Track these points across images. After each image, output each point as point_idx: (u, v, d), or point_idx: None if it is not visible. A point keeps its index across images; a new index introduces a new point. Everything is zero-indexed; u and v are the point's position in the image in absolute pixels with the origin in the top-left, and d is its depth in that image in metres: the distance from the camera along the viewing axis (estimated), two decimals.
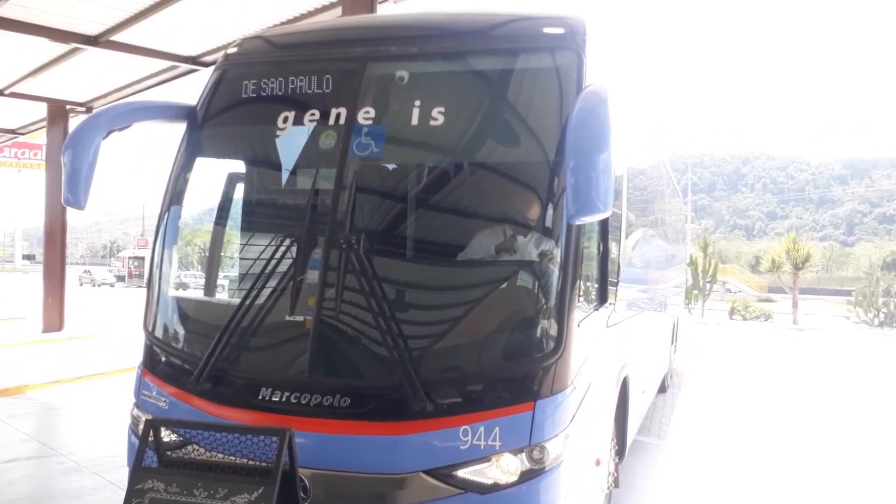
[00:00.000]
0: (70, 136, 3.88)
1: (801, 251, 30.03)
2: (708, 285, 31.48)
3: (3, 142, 22.86)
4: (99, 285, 55.03)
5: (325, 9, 10.09)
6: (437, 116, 3.82)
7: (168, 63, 12.91)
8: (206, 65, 12.74)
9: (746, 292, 51.23)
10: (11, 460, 6.57)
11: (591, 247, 4.16)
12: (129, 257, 63.26)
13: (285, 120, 4.09)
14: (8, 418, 8.20)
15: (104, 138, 3.94)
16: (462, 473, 3.40)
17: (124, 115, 4.12)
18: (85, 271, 59.90)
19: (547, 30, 3.97)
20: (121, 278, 59.60)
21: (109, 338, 16.45)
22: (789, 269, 30.41)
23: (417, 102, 3.87)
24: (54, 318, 16.63)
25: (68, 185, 3.82)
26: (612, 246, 4.72)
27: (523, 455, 3.40)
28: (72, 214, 18.43)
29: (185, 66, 12.97)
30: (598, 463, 4.51)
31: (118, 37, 11.60)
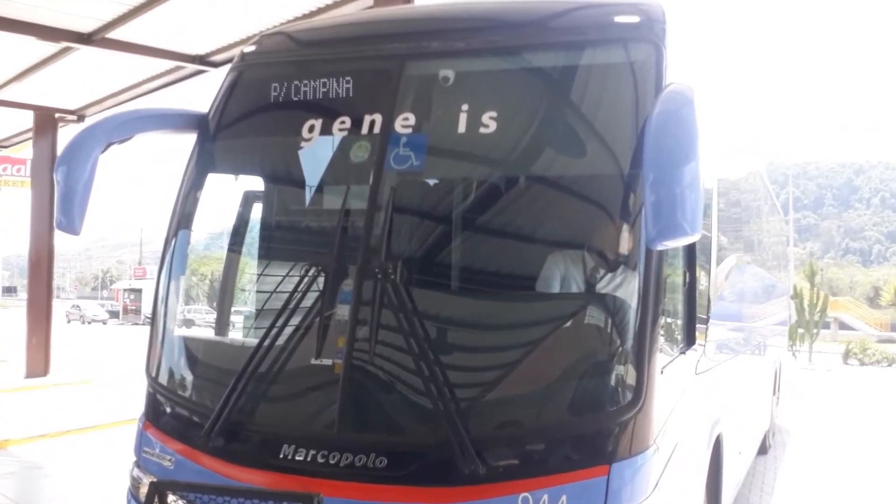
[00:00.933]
0: (64, 151, 3.99)
1: None
2: (816, 322, 30.74)
3: None
4: (89, 322, 56.30)
5: None
6: (489, 123, 3.84)
7: (172, 63, 13.22)
8: (216, 65, 13.02)
9: (864, 331, 49.93)
10: None
11: (676, 277, 4.11)
12: (125, 290, 64.64)
13: (311, 129, 4.15)
14: None
15: (103, 152, 4.04)
16: None
17: (126, 125, 4.23)
18: (74, 306, 61.36)
19: (619, 18, 3.97)
20: (114, 314, 60.89)
21: (101, 385, 16.75)
22: None
23: (465, 107, 3.90)
24: (39, 362, 17.01)
25: (61, 206, 3.92)
26: (701, 275, 4.66)
27: None
28: (59, 240, 18.93)
29: (191, 67, 13.27)
30: None
31: (115, 34, 11.92)
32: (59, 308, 37.81)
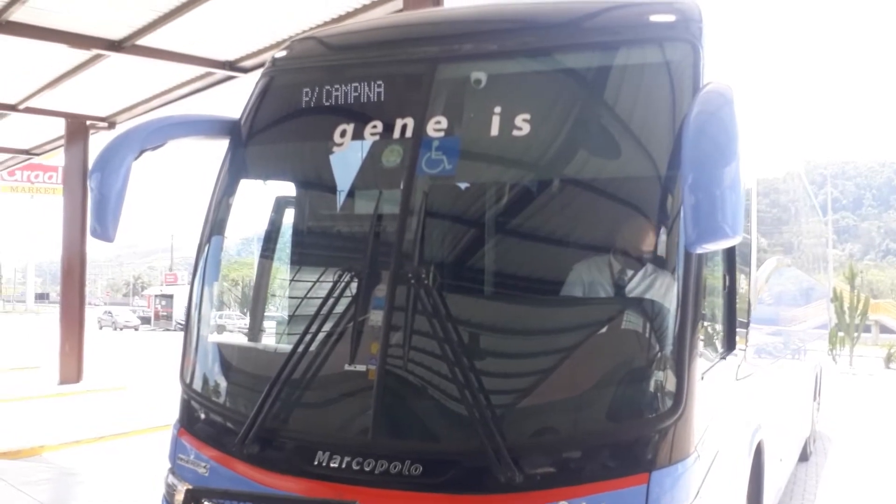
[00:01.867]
0: (98, 158, 4.04)
1: None
2: (857, 326, 30.31)
3: (15, 164, 24.00)
4: (121, 328, 56.99)
5: (381, 2, 10.27)
6: (522, 125, 3.82)
7: (202, 70, 13.36)
8: (246, 70, 13.13)
9: None
10: None
11: (715, 280, 4.07)
12: (156, 296, 65.35)
13: (343, 134, 4.17)
14: (22, 485, 8.51)
15: (136, 159, 4.09)
16: None
17: (159, 132, 4.27)
18: (105, 312, 62.13)
19: (655, 18, 3.94)
20: (146, 320, 61.60)
21: (134, 391, 16.95)
22: None
23: (498, 109, 3.88)
24: (72, 368, 17.25)
25: (96, 213, 3.97)
26: (741, 279, 4.61)
27: None
28: (91, 247, 19.22)
29: (221, 73, 13.40)
30: None
31: (145, 41, 12.08)
32: (90, 314, 38.35)
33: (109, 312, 62.05)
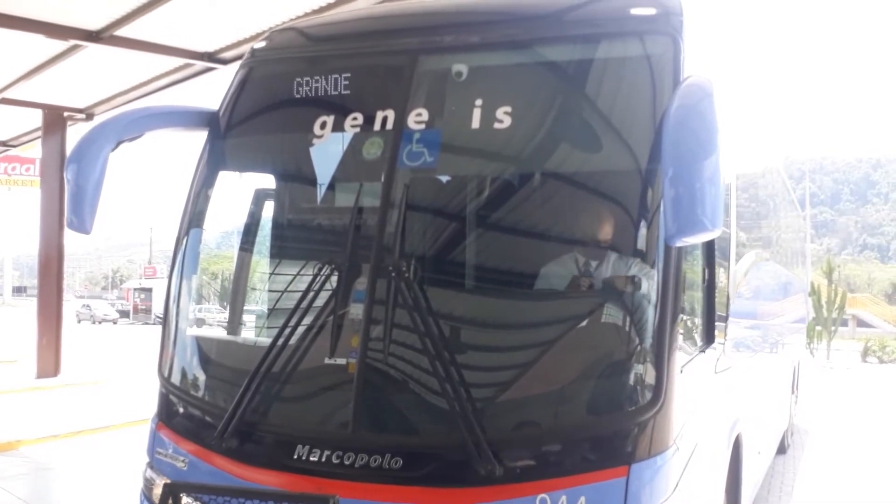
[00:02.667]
0: (74, 149, 4.00)
1: None
2: (834, 320, 30.60)
3: None
4: (100, 322, 56.60)
5: None
6: (503, 118, 3.82)
7: (181, 61, 13.26)
8: (226, 62, 13.04)
9: (882, 328, 49.65)
10: None
11: (695, 274, 4.09)
12: (135, 289, 64.95)
13: (323, 126, 4.15)
14: None
15: (113, 150, 4.06)
16: None
17: (136, 123, 4.24)
18: (84, 305, 61.69)
19: (635, 10, 3.94)
20: (125, 314, 61.20)
21: (113, 385, 16.83)
22: None
23: (479, 102, 3.88)
24: (50, 362, 17.11)
25: (72, 205, 3.94)
26: (720, 273, 4.63)
27: None
28: (69, 240, 19.08)
29: (200, 64, 13.30)
30: None
31: (123, 31, 11.97)
32: (69, 308, 38.03)
33: (88, 306, 61.59)
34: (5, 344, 27.15)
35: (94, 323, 55.80)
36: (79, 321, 54.72)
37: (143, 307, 59.56)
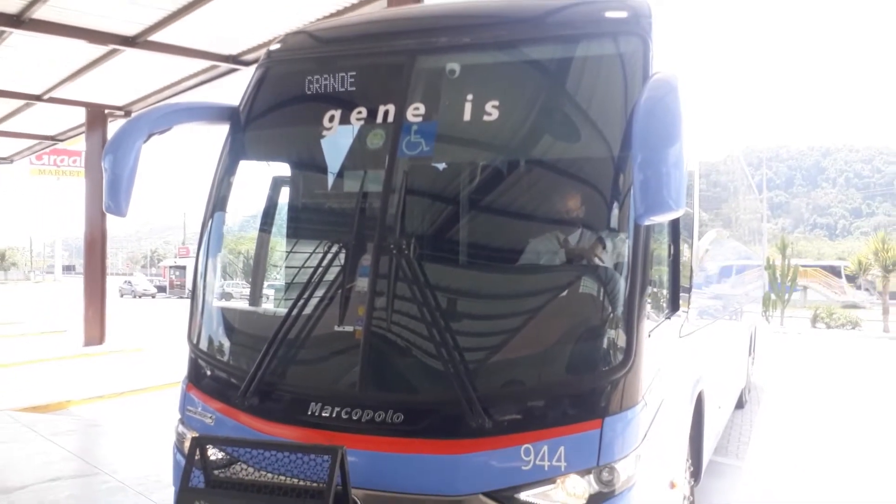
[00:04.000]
0: (110, 141, 3.97)
1: (891, 252, 28.99)
2: (787, 290, 30.61)
3: (42, 149, 23.68)
4: (140, 296, 56.58)
5: (370, 0, 10.16)
6: (492, 111, 3.80)
7: (208, 63, 13.19)
8: (247, 64, 12.98)
9: (830, 297, 49.70)
10: (55, 479, 6.76)
11: (661, 250, 4.07)
12: (170, 267, 64.85)
13: (331, 119, 4.12)
14: (51, 435, 8.45)
15: (145, 142, 4.02)
16: (525, 496, 3.35)
17: (165, 118, 4.20)
18: (126, 282, 61.63)
19: (609, 13, 3.91)
20: (162, 289, 61.15)
21: (152, 352, 16.87)
22: (878, 272, 29.40)
23: (470, 96, 3.85)
24: (95, 332, 17.15)
25: (109, 191, 3.91)
26: (684, 248, 4.62)
27: (591, 477, 3.34)
28: (112, 224, 19.03)
29: (225, 66, 13.24)
30: (672, 486, 4.40)
31: (156, 37, 11.91)
32: (112, 284, 37.99)
33: (129, 282, 61.51)
34: (56, 316, 27.24)
35: (134, 297, 55.75)
36: (121, 295, 54.71)
37: (178, 283, 59.47)
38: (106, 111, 16.88)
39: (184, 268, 59.46)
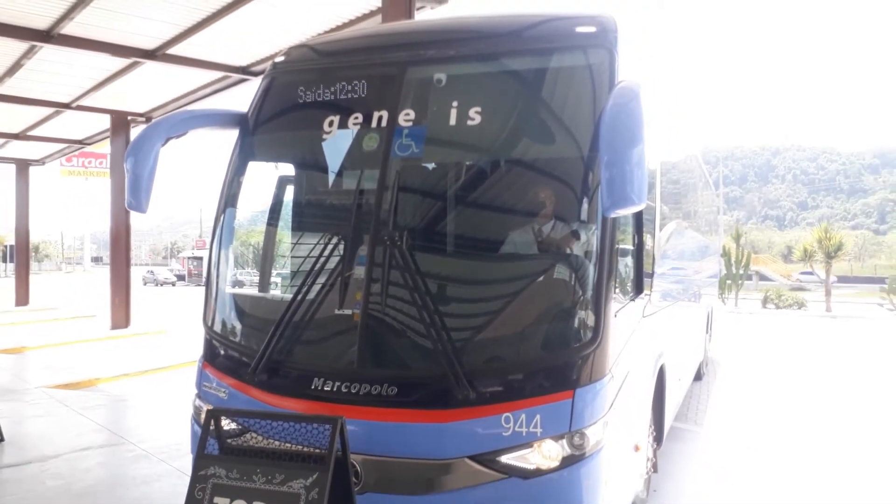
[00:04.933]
0: (131, 144, 3.95)
1: (833, 240, 29.18)
2: (741, 275, 30.78)
3: (71, 152, 23.47)
4: (161, 284, 56.24)
5: (366, 17, 10.12)
6: (475, 116, 3.80)
7: (220, 74, 13.09)
8: (256, 74, 12.90)
9: (779, 281, 50.02)
10: (85, 448, 6.75)
11: (627, 239, 4.09)
12: (188, 257, 64.47)
13: (330, 124, 4.11)
14: (82, 409, 8.43)
15: (163, 145, 4.01)
16: (505, 459, 3.38)
17: (181, 124, 4.18)
18: (148, 271, 61.27)
19: (579, 29, 3.91)
20: (181, 277, 60.79)
21: (173, 334, 16.81)
22: (821, 258, 29.60)
23: (455, 103, 3.85)
24: (121, 316, 17.06)
25: (131, 189, 3.89)
26: (647, 238, 4.63)
27: (564, 441, 3.37)
28: (135, 219, 18.91)
29: (236, 77, 13.15)
30: (636, 449, 4.44)
31: (173, 50, 11.82)
32: (136, 273, 37.81)
33: (152, 271, 61.12)
34: (86, 302, 27.09)
35: (156, 285, 55.39)
36: (144, 284, 54.40)
37: (196, 272, 59.07)
38: (129, 117, 16.74)
39: (200, 258, 59.08)
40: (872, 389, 10.79)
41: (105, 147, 23.53)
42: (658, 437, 5.56)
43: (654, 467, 5.49)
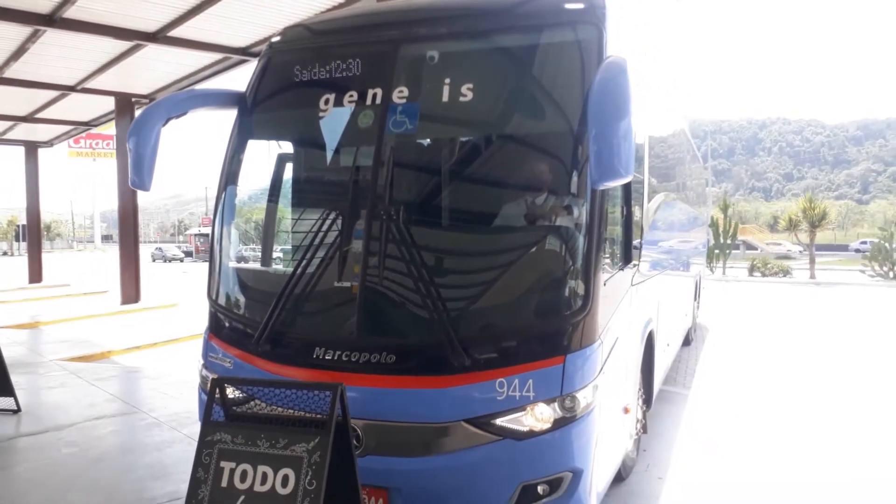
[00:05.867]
0: (133, 124, 3.92)
1: (818, 210, 29.14)
2: (728, 245, 30.80)
3: (78, 133, 23.28)
4: (169, 260, 56.28)
5: None
6: (467, 93, 3.76)
7: (221, 55, 12.94)
8: (256, 55, 12.73)
9: (765, 250, 50.06)
10: (99, 417, 6.80)
11: (615, 211, 4.08)
12: (195, 234, 64.46)
13: (326, 102, 4.07)
14: (95, 381, 8.49)
15: (164, 125, 3.98)
16: (500, 422, 3.41)
17: (181, 104, 4.14)
18: (157, 248, 61.28)
19: (568, 5, 3.85)
20: (188, 254, 60.84)
21: (183, 307, 16.85)
22: (806, 228, 29.60)
23: (447, 80, 3.81)
24: (131, 291, 17.07)
25: (134, 168, 3.87)
26: (636, 210, 4.62)
27: (556, 404, 3.40)
28: (143, 198, 18.87)
29: (236, 58, 13.00)
30: (626, 411, 4.48)
31: (174, 32, 11.67)
32: (145, 250, 37.70)
33: (160, 248, 61.13)
34: (98, 279, 27.12)
35: (165, 262, 55.42)
36: (153, 260, 54.40)
37: (203, 248, 58.87)
38: (133, 99, 16.57)
39: (207, 235, 58.91)
40: (854, 352, 10.86)
41: (111, 129, 23.37)
42: (647, 400, 5.61)
43: (644, 428, 5.54)
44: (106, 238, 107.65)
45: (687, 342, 10.87)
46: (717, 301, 17.96)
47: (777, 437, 6.27)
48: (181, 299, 18.43)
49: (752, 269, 30.08)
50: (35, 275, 24.13)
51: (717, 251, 30.10)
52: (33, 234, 24.74)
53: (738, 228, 35.22)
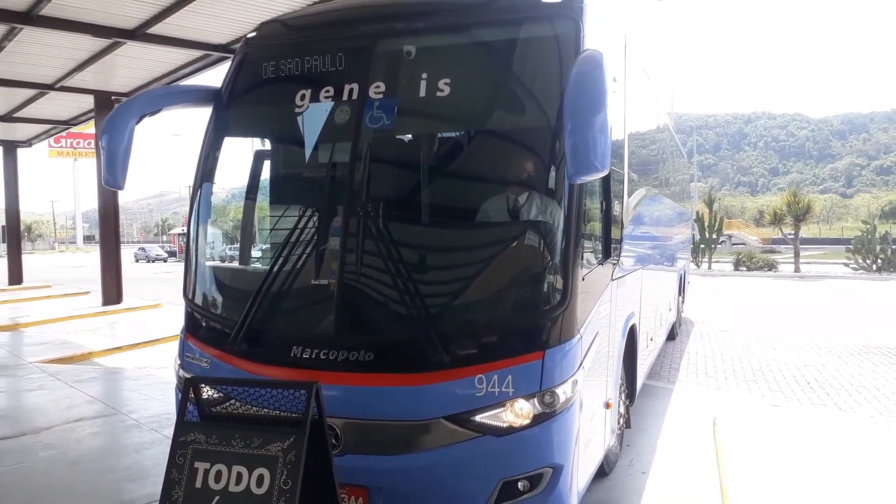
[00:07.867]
0: (105, 121, 3.87)
1: (802, 203, 29.39)
2: (714, 239, 30.99)
3: (57, 132, 23.01)
4: (153, 261, 55.86)
5: None
6: (444, 87, 3.74)
7: (200, 52, 12.83)
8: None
9: (751, 244, 50.45)
10: (79, 420, 6.74)
11: (594, 206, 4.08)
12: (178, 234, 64.03)
13: (303, 98, 4.04)
14: (75, 383, 8.40)
15: (137, 122, 3.93)
16: (479, 418, 3.40)
17: (154, 101, 4.10)
18: (140, 248, 60.79)
19: None
20: (172, 253, 60.40)
21: (167, 308, 16.71)
22: (791, 221, 29.84)
23: (424, 75, 3.78)
24: (113, 292, 16.92)
25: (107, 167, 3.82)
26: (616, 204, 4.62)
27: (535, 400, 3.39)
28: (125, 197, 18.70)
29: (216, 55, 12.90)
30: (608, 405, 4.49)
31: (154, 29, 11.56)
32: (128, 251, 37.37)
33: (143, 248, 60.64)
34: (79, 280, 26.85)
35: (148, 262, 55.01)
36: (136, 261, 53.99)
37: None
38: (112, 97, 16.38)
39: None
40: (839, 344, 10.95)
41: (92, 128, 23.15)
42: (630, 395, 5.63)
43: (628, 423, 5.57)
44: (88, 239, 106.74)
45: (672, 337, 10.93)
46: (702, 295, 18.07)
47: (762, 432, 6.31)
48: (164, 300, 18.29)
49: (737, 264, 30.29)
50: (15, 276, 23.86)
51: (702, 245, 30.27)
52: (13, 235, 24.45)
53: (724, 223, 35.44)
